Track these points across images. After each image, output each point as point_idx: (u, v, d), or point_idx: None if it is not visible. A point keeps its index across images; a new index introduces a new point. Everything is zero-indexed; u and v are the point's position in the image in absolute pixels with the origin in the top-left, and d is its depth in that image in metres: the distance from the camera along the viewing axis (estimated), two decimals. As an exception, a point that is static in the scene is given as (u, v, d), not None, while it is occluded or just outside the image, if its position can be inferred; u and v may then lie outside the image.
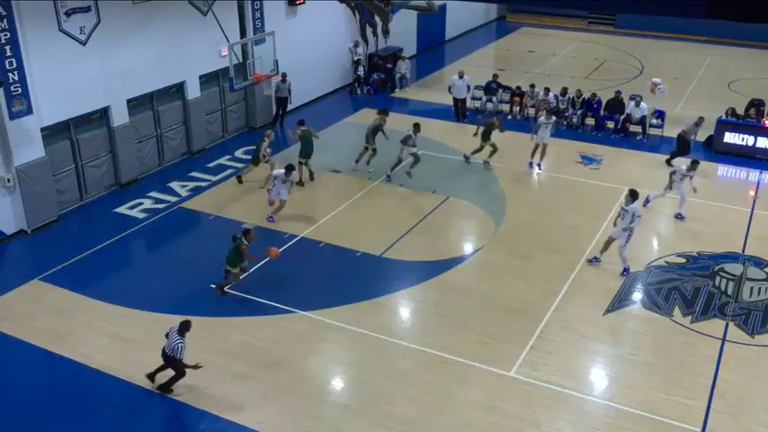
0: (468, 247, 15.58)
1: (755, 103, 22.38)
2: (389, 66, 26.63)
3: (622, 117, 22.30)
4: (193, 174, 19.01)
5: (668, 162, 19.46)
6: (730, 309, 13.33)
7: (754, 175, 19.44)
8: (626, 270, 14.36)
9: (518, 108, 23.82)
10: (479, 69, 26.85)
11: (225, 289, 13.70)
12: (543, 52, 32.38)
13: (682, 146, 19.78)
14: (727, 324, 12.89)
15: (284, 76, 21.69)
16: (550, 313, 13.04)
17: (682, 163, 16.95)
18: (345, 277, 14.33)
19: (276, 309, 13.13)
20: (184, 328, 10.72)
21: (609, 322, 12.96)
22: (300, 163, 18.25)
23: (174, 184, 18.32)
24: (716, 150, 20.78)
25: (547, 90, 23.31)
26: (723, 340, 12.46)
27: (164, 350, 10.74)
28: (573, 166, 19.73)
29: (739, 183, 19.28)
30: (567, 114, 22.85)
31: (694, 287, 13.98)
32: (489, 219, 16.67)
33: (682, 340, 12.48)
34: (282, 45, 19.52)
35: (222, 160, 19.94)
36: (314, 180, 18.34)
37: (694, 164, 16.49)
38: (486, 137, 19.32)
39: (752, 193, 18.35)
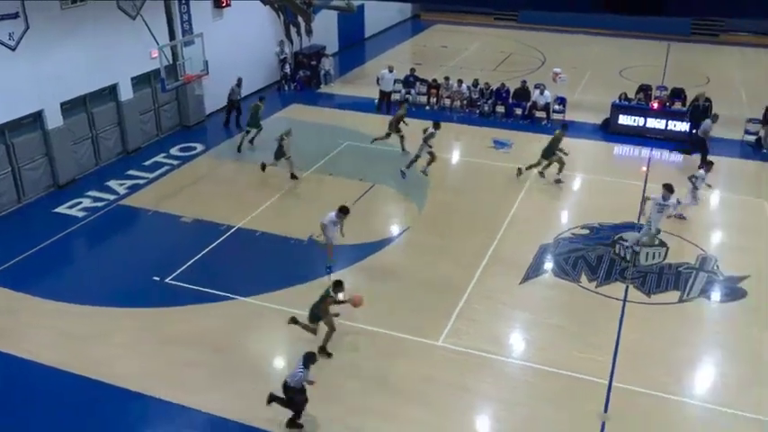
0: (394, 230, 15.67)
1: (644, 88, 23.25)
2: (314, 63, 26.41)
3: (529, 104, 22.78)
4: (131, 172, 18.41)
5: (680, 151, 19.80)
6: (629, 273, 13.87)
7: (645, 152, 20.23)
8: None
9: (435, 99, 24.03)
10: (398, 64, 26.85)
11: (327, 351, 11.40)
12: (455, 47, 32.70)
13: (700, 145, 19.20)
14: (627, 287, 13.40)
15: (240, 80, 21.56)
16: (472, 286, 13.28)
17: (700, 168, 16.48)
18: (282, 263, 14.21)
19: (219, 296, 12.91)
20: (309, 360, 9.62)
21: (525, 291, 13.29)
22: (246, 131, 19.84)
23: (112, 183, 17.70)
24: (611, 131, 21.49)
25: (460, 82, 23.61)
26: (624, 301, 12.96)
27: (285, 381, 9.62)
28: (487, 150, 20.07)
29: (633, 159, 19.99)
30: (479, 104, 23.20)
31: (597, 255, 14.48)
32: (413, 203, 16.81)
33: (589, 303, 12.92)
34: (211, 46, 19.07)
35: (158, 158, 19.37)
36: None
37: (710, 165, 16.43)
38: (394, 127, 19.30)
39: (644, 168, 19.09)
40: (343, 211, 13.51)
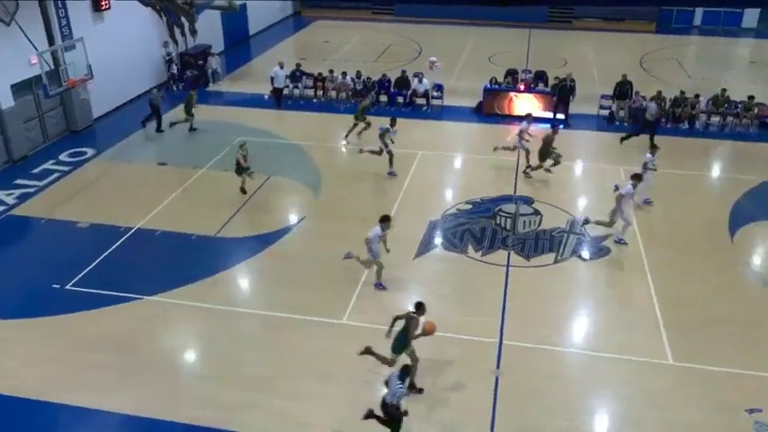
0: (293, 219, 15.54)
1: (511, 72, 24.18)
2: (201, 62, 25.56)
3: (409, 92, 23.14)
4: (18, 181, 17.15)
5: (626, 138, 19.62)
6: (510, 240, 14.49)
7: (515, 129, 21.05)
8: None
9: (321, 92, 23.91)
10: (284, 60, 26.44)
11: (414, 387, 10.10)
12: (337, 41, 32.62)
13: (648, 127, 19.56)
14: (509, 253, 13.97)
15: (159, 87, 20.70)
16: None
17: (647, 152, 16.02)
18: (185, 260, 13.74)
19: (123, 298, 12.33)
20: (405, 373, 8.87)
21: (418, 265, 13.59)
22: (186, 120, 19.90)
23: None
24: (485, 113, 22.24)
25: (344, 74, 23.60)
26: (507, 266, 13.53)
27: (383, 399, 8.88)
28: (375, 138, 20.19)
29: (507, 137, 20.77)
30: (363, 94, 23.30)
31: (481, 227, 15.00)
32: (309, 191, 16.71)
33: (476, 271, 13.38)
34: (94, 50, 18.01)
35: (47, 165, 18.14)
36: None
37: (654, 148, 16.26)
38: (360, 116, 19.40)
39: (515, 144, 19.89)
40: (385, 220, 12.35)
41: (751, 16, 36.83)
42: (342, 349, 10.99)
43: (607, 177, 17.48)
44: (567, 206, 15.94)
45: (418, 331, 9.94)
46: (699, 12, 36.99)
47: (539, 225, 15.09)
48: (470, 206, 15.96)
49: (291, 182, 17.23)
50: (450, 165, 18.41)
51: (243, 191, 16.24)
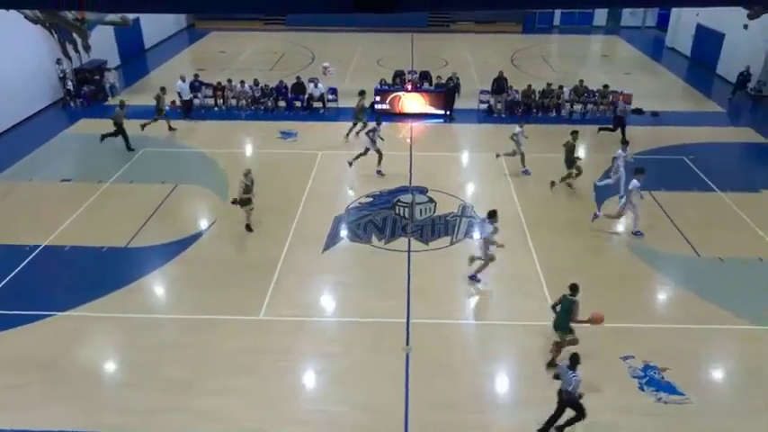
0: (203, 224, 15.06)
1: (398, 74, 24.54)
2: (97, 78, 24.14)
3: (306, 97, 22.97)
4: None
5: (603, 129, 19.91)
6: (409, 228, 14.76)
7: (406, 125, 21.47)
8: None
9: (222, 101, 23.26)
10: (182, 71, 25.51)
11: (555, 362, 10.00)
12: (233, 51, 31.82)
13: (620, 124, 19.62)
14: (409, 240, 14.24)
15: (122, 102, 19.53)
16: (282, 261, 13.26)
17: (619, 149, 16.09)
18: (97, 273, 12.98)
19: (36, 316, 11.48)
20: (575, 361, 8.68)
21: (327, 258, 13.56)
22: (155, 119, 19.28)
23: None
24: (378, 112, 22.44)
25: (242, 82, 23.08)
26: (408, 252, 13.77)
27: (560, 391, 8.78)
28: (276, 141, 19.95)
29: (398, 134, 21.11)
30: (262, 101, 22.91)
31: (382, 217, 15.18)
32: (216, 196, 16.25)
33: (381, 259, 13.52)
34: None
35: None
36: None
37: (625, 144, 16.11)
38: (358, 116, 19.12)
39: (408, 140, 20.25)
40: (493, 215, 12.19)
41: (601, 15, 39.42)
42: (262, 344, 10.82)
43: (490, 164, 18.17)
44: (457, 193, 16.41)
45: (582, 317, 9.93)
46: (557, 13, 39.10)
47: (434, 212, 15.45)
48: (371, 199, 16.10)
49: (200, 188, 16.67)
50: (362, 165, 18.42)
51: (249, 228, 14.30)
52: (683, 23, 31.58)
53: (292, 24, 36.97)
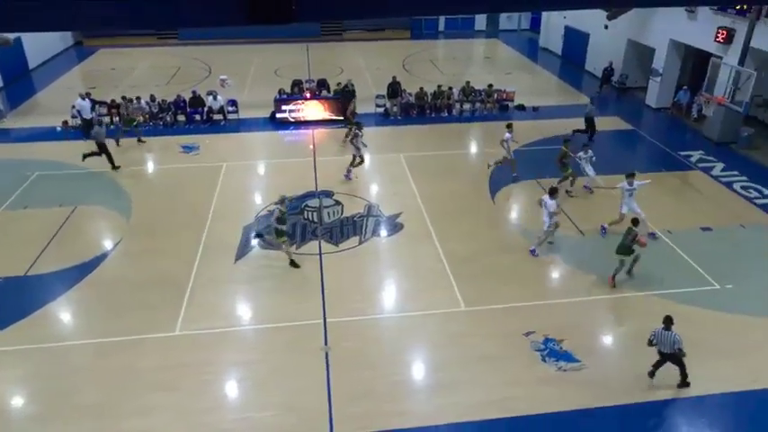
0: (108, 244, 14.21)
1: (297, 83, 24.33)
2: (-22, 101, 22.19)
3: (205, 110, 22.27)
4: None
5: (575, 132, 20.08)
6: (319, 231, 14.68)
7: (307, 132, 21.34)
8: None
9: (118, 118, 22.04)
10: (74, 90, 23.97)
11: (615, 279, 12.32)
12: (125, 67, 30.25)
13: (589, 124, 20.07)
14: (319, 242, 14.18)
15: (101, 121, 18.86)
16: (194, 275, 12.79)
17: (579, 150, 16.26)
18: (-5, 305, 11.95)
19: (-74, 358, 10.41)
20: (670, 321, 9.44)
21: (240, 267, 13.22)
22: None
23: None
24: (280, 121, 22.16)
25: (138, 98, 22.00)
26: (320, 254, 13.71)
27: (662, 353, 9.55)
28: (178, 156, 19.18)
29: (301, 141, 20.93)
30: (161, 116, 21.95)
31: (292, 223, 14.97)
32: (119, 215, 15.38)
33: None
34: None
35: None
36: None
37: (585, 147, 16.21)
38: (351, 118, 18.67)
39: (311, 146, 20.13)
40: (554, 192, 13.33)
41: (481, 20, 41.01)
42: (180, 359, 10.38)
43: (392, 164, 18.42)
44: (362, 194, 16.51)
45: (643, 240, 11.93)
46: (442, 19, 40.27)
47: (341, 214, 15.46)
48: (279, 206, 15.85)
49: (101, 209, 15.72)
50: (255, 171, 18.11)
51: (294, 264, 13.01)
52: (553, 26, 33.50)
53: (186, 38, 35.69)
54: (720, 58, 19.85)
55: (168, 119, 21.95)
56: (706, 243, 14.09)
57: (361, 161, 17.37)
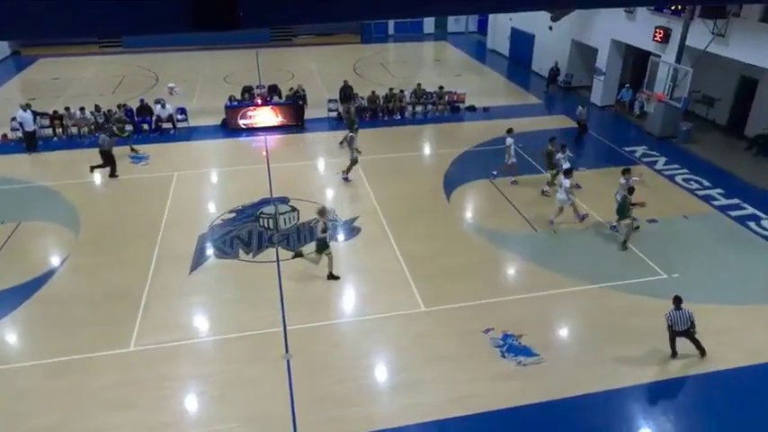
0: (55, 260, 13.68)
1: (247, 89, 24.02)
2: None
3: (154, 119, 21.74)
4: None
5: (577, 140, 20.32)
6: (275, 238, 14.51)
7: (260, 139, 21.09)
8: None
9: (60, 129, 21.28)
10: (12, 101, 23.01)
11: (627, 243, 13.79)
12: (68, 77, 29.24)
13: (582, 127, 20.52)
14: (276, 249, 14.02)
15: (110, 133, 18.31)
16: (148, 288, 12.44)
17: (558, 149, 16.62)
18: (-66, 329, 11.33)
19: None
20: (680, 300, 10.03)
21: (196, 278, 12.94)
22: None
23: None
24: (231, 129, 21.83)
25: (82, 109, 21.31)
26: (278, 261, 13.55)
27: (675, 332, 10.09)
28: (127, 166, 18.63)
29: (254, 147, 20.66)
30: (107, 126, 21.26)
31: (247, 231, 14.78)
32: (67, 230, 14.83)
33: (251, 271, 13.17)
34: None
35: None
36: None
37: (563, 147, 16.44)
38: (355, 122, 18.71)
39: (264, 153, 19.90)
40: (569, 173, 14.70)
41: (429, 24, 41.43)
42: (136, 376, 10.07)
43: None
44: (318, 198, 16.42)
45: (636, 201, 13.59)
46: (391, 23, 40.50)
47: (298, 220, 15.33)
48: (234, 214, 15.61)
49: (46, 224, 15.12)
50: (208, 180, 17.77)
51: (334, 276, 12.72)
52: (500, 28, 34.15)
53: (130, 46, 34.78)
54: (659, 56, 20.62)
55: (115, 129, 21.28)
56: (653, 234, 14.60)
57: (354, 163, 17.30)
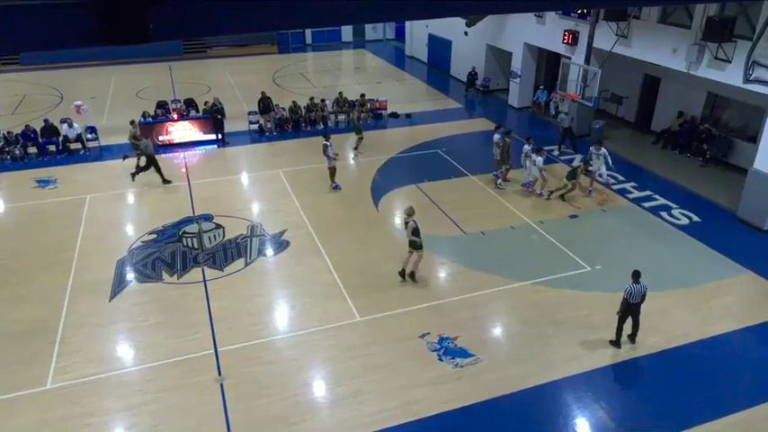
0: (-45, 298, 12.68)
1: (162, 104, 23.30)
2: None
3: (60, 139, 20.63)
4: None
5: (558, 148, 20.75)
6: (201, 257, 14.09)
7: (179, 155, 20.43)
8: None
9: (-45, 155, 19.81)
10: None
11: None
12: (-41, 99, 27.28)
13: (569, 133, 20.62)
14: (203, 269, 13.61)
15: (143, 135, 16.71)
16: (63, 320, 11.74)
17: (530, 148, 17.08)
18: None
19: None
20: (638, 274, 10.51)
21: (116, 305, 12.34)
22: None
23: None
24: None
25: (-22, 132, 19.94)
26: (204, 281, 13.16)
27: (627, 301, 10.57)
28: (33, 192, 17.57)
29: (174, 164, 19.97)
30: (7, 150, 20.00)
31: (170, 252, 14.27)
32: (-32, 264, 13.80)
33: (177, 294, 12.72)
34: None
35: None
36: None
37: (539, 150, 16.83)
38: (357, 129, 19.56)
39: (183, 170, 19.30)
40: (539, 151, 16.34)
41: (347, 32, 41.66)
42: (55, 415, 9.46)
43: (272, 180, 18.14)
44: (243, 214, 16.10)
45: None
46: (308, 32, 40.42)
47: (223, 237, 14.97)
48: (155, 235, 15.04)
49: (-57, 259, 14.01)
50: (124, 201, 17.03)
51: (414, 278, 12.95)
52: (417, 34, 34.83)
53: (28, 63, 32.88)
54: (569, 58, 21.67)
55: (17, 152, 20.04)
56: (574, 229, 15.28)
57: (331, 171, 17.31)
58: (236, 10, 3.28)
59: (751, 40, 14.70)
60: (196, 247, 14.52)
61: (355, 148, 20.47)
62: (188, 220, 15.73)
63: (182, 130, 21.35)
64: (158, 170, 17.88)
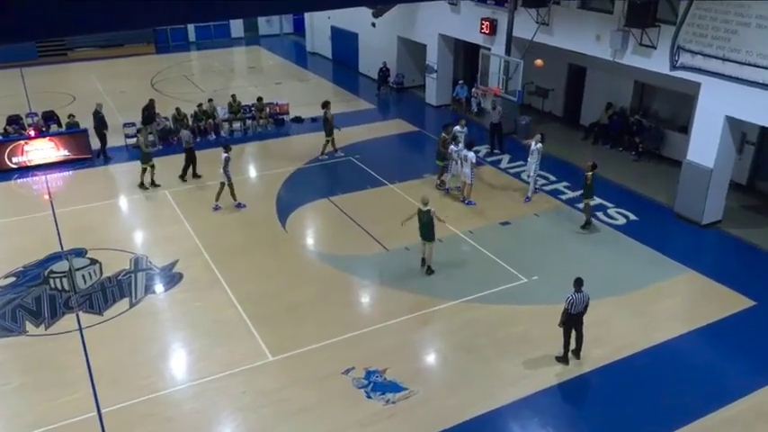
0: None
1: (14, 119, 22.07)
2: None
3: None
4: None
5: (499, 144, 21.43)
6: (74, 300, 13.38)
7: (39, 180, 19.38)
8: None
9: None
10: None
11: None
12: None
13: (497, 130, 21.29)
14: (77, 315, 12.93)
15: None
16: None
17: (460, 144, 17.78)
18: None
19: None
20: (580, 283, 10.91)
21: (-32, 368, 11.50)
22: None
23: None
24: (1, 169, 19.84)
25: None
26: (80, 329, 12.50)
27: (568, 312, 10.91)
28: None
29: (33, 191, 18.87)
30: None
31: (34, 297, 13.46)
32: None
33: (45, 347, 11.99)
34: None
35: None
36: None
37: (471, 145, 17.60)
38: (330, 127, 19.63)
39: (46, 196, 18.31)
40: (471, 146, 17.11)
41: (237, 27, 41.18)
42: None
43: (159, 203, 17.55)
44: (124, 245, 15.47)
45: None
46: (191, 28, 39.62)
47: (101, 274, 14.31)
48: (14, 278, 14.16)
49: None
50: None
51: (430, 271, 14.16)
52: (318, 27, 34.99)
53: None
54: (489, 49, 22.49)
55: None
56: (507, 238, 15.80)
57: (221, 188, 17.09)
58: (105, 6, 3.19)
59: (674, 25, 15.85)
60: (67, 288, 13.79)
61: (334, 150, 20.79)
62: (56, 257, 14.92)
63: (41, 150, 20.27)
64: (192, 164, 18.94)
